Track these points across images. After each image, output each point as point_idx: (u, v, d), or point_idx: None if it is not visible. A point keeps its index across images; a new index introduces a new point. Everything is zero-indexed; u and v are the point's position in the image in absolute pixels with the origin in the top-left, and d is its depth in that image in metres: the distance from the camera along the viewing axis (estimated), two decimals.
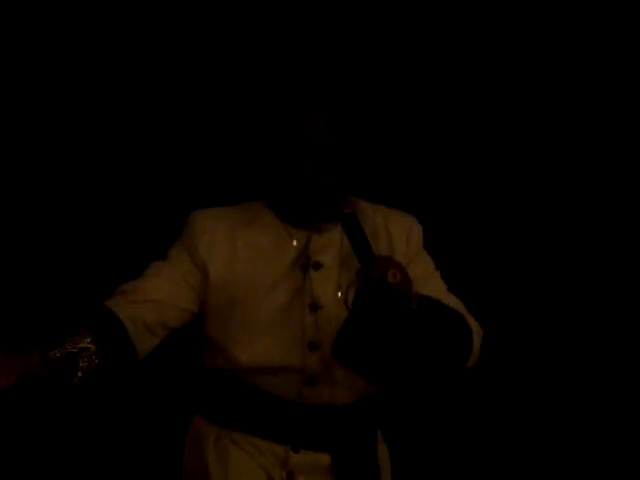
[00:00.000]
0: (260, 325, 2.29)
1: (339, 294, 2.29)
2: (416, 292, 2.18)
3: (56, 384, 2.15)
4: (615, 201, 3.42)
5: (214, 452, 2.35)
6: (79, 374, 2.16)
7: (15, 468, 3.30)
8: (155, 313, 2.26)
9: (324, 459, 2.36)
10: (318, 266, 2.32)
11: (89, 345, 2.17)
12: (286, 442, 2.34)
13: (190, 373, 2.63)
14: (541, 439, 3.47)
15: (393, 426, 2.58)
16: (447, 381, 3.19)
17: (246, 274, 2.31)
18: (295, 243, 2.32)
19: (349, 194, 2.35)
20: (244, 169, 3.13)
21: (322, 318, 2.30)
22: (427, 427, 3.45)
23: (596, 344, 3.44)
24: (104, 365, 2.21)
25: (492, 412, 3.47)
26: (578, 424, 3.46)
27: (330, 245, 2.33)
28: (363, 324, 2.14)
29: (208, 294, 2.31)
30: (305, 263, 2.31)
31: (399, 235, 2.38)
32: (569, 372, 3.46)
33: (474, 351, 2.32)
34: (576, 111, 3.39)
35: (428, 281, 2.35)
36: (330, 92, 2.33)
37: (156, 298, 2.27)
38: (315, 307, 2.31)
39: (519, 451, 3.47)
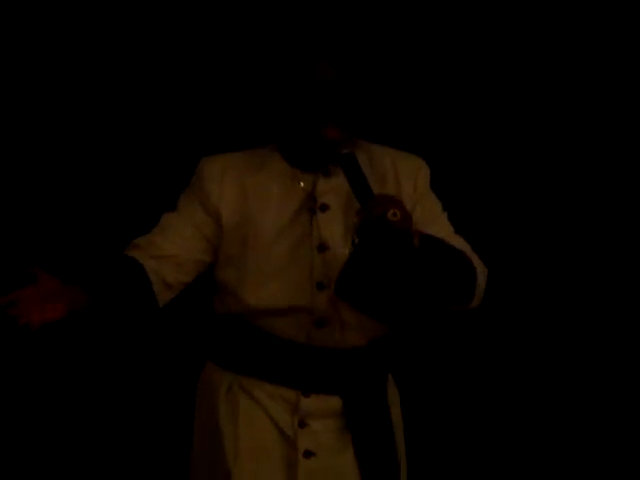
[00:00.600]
0: (269, 268, 2.33)
1: (347, 235, 2.31)
2: (417, 230, 2.19)
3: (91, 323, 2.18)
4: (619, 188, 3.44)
5: (225, 405, 2.39)
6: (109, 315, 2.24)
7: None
8: (172, 269, 2.31)
9: (335, 402, 2.38)
10: (325, 208, 2.35)
11: (116, 291, 2.22)
12: (297, 386, 2.37)
13: (201, 321, 2.67)
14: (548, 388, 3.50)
15: (404, 369, 2.60)
16: (454, 321, 3.20)
17: (255, 219, 2.34)
18: (302, 186, 2.35)
19: (357, 137, 2.37)
20: (254, 114, 3.14)
21: (330, 258, 2.32)
22: (438, 370, 3.48)
23: (598, 335, 3.46)
24: (124, 313, 2.27)
25: (502, 355, 3.48)
26: (582, 404, 3.50)
27: (338, 187, 2.35)
28: (364, 262, 2.16)
29: (221, 240, 2.35)
30: (312, 206, 2.34)
31: (407, 176, 2.40)
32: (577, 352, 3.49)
33: (478, 290, 2.33)
34: (578, 98, 3.40)
35: (434, 222, 2.37)
36: (336, 35, 2.35)
37: (172, 253, 2.31)
38: (323, 248, 2.34)
39: (525, 396, 3.49)
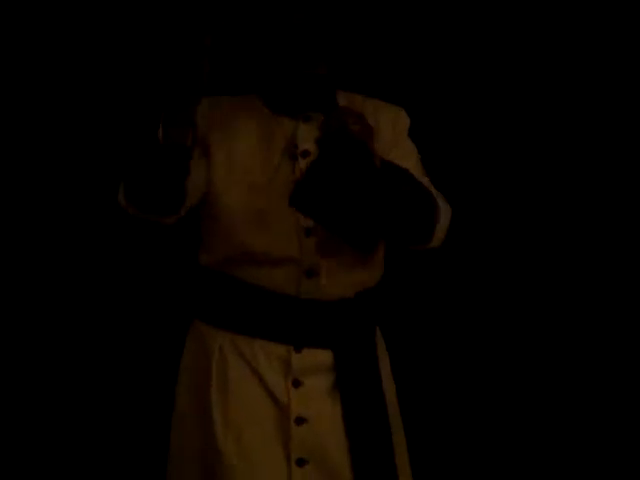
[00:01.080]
0: (256, 212, 2.28)
1: None
2: (380, 155, 2.15)
3: None
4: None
5: (216, 372, 2.32)
6: None
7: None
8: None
9: (326, 357, 2.33)
10: (306, 154, 2.30)
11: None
12: (288, 341, 2.32)
13: (189, 276, 2.60)
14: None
15: (391, 322, 2.57)
16: (413, 259, 3.10)
17: (241, 161, 2.31)
18: (283, 132, 2.32)
19: (339, 87, 2.35)
20: (237, 60, 3.10)
21: None
22: (425, 324, 3.43)
23: (598, 334, 3.42)
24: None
25: (501, 351, 3.45)
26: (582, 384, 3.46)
27: (318, 132, 2.27)
28: (322, 172, 2.09)
29: (212, 174, 2.30)
30: (293, 152, 2.31)
31: (385, 122, 2.37)
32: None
33: (439, 227, 2.29)
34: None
35: (406, 159, 2.32)
36: None
37: None
38: None
39: (525, 391, 3.46)
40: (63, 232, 3.33)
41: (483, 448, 3.42)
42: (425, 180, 2.34)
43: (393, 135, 2.38)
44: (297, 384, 2.32)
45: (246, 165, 2.31)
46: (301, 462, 2.29)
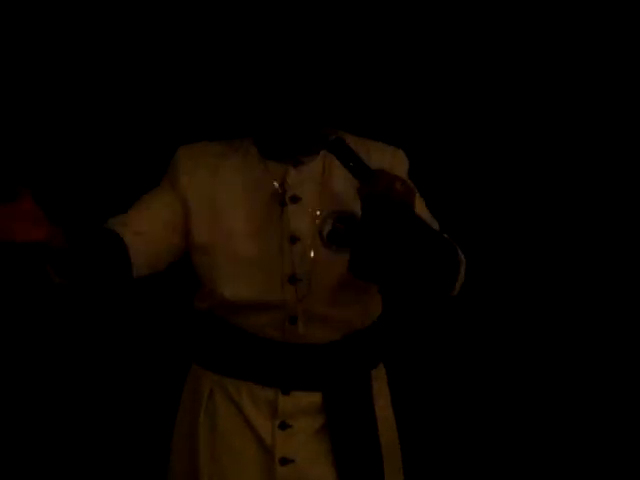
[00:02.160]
0: (239, 260, 2.29)
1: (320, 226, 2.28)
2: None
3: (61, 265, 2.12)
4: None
5: (205, 412, 2.37)
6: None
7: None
8: (146, 245, 2.27)
9: (315, 399, 2.34)
10: (296, 199, 2.30)
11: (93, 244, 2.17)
12: (275, 384, 2.34)
13: (186, 320, 2.62)
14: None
15: (395, 365, 2.58)
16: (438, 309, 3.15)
17: (225, 209, 2.31)
18: (273, 177, 2.31)
19: (332, 128, 2.31)
20: (231, 103, 3.10)
21: (300, 251, 2.29)
22: (432, 367, 3.41)
23: (597, 333, 3.38)
24: (99, 275, 2.19)
25: (498, 352, 3.42)
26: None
27: (309, 178, 2.31)
28: (375, 236, 2.09)
29: (191, 226, 2.32)
30: (282, 197, 2.30)
31: (389, 163, 2.33)
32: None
33: (460, 276, 2.30)
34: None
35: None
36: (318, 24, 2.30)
37: (144, 229, 2.27)
38: (294, 240, 2.29)
39: (522, 394, 3.42)
40: None
41: (485, 464, 3.41)
42: (436, 224, 2.35)
43: None
44: (284, 426, 2.34)
45: (229, 215, 2.31)
46: None
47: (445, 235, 2.32)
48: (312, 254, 2.27)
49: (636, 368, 3.37)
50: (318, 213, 2.30)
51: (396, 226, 2.09)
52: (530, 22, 3.29)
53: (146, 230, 2.28)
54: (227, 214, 2.31)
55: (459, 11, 3.26)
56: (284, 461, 2.33)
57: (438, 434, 3.38)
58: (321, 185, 2.30)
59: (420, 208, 2.31)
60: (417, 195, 2.32)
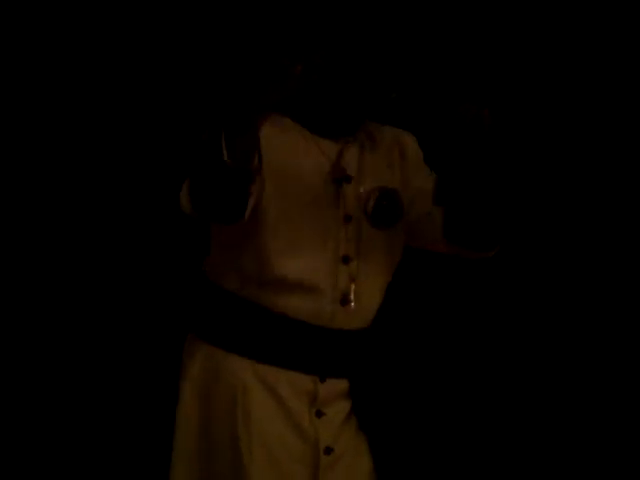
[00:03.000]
0: (296, 239, 2.22)
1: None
2: None
3: None
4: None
5: (241, 407, 2.25)
6: None
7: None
8: None
9: (344, 385, 2.32)
10: (349, 179, 2.28)
11: None
12: (314, 372, 2.28)
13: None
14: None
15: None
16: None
17: (289, 183, 2.23)
18: (326, 156, 2.27)
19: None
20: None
21: (353, 230, 2.27)
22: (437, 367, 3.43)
23: (598, 334, 3.47)
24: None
25: (502, 353, 3.47)
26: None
27: (353, 157, 2.29)
28: (461, 164, 2.11)
29: (261, 188, 2.19)
30: (338, 175, 2.26)
31: (411, 147, 2.37)
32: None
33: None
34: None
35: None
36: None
37: None
38: (348, 219, 2.27)
39: (525, 394, 3.49)
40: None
41: (487, 465, 3.44)
42: None
43: (417, 158, 2.38)
44: (319, 414, 2.29)
45: (292, 186, 2.24)
46: None
47: None
48: (365, 233, 2.26)
49: (636, 368, 3.44)
50: (362, 190, 2.28)
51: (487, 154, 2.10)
52: (531, 25, 3.38)
53: None
54: (290, 184, 2.23)
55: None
56: (328, 450, 2.28)
57: (439, 434, 3.39)
58: (360, 163, 2.29)
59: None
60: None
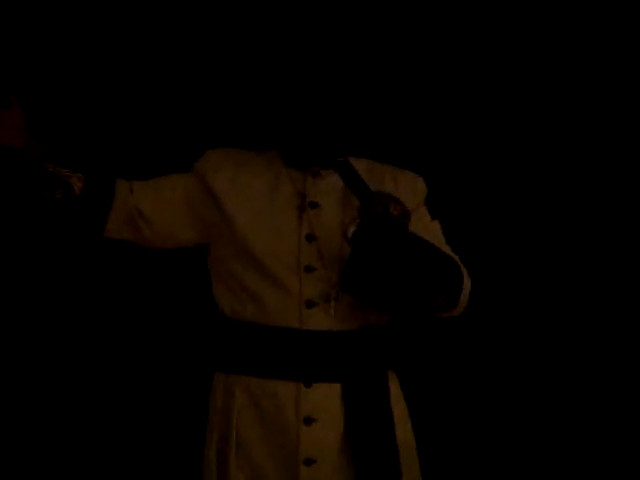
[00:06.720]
0: (254, 253, 2.40)
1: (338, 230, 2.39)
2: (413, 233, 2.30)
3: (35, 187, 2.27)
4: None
5: (237, 429, 2.39)
6: (54, 193, 2.32)
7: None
8: (150, 204, 2.42)
9: (336, 391, 2.38)
10: (315, 205, 2.43)
11: (76, 184, 2.34)
12: (297, 377, 2.37)
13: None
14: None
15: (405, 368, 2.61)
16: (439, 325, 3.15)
17: (243, 208, 2.43)
18: (291, 184, 2.44)
19: (354, 155, 2.46)
20: (254, 115, 3.21)
21: (319, 246, 2.39)
22: (439, 368, 3.43)
23: (598, 334, 3.42)
24: (71, 214, 2.34)
25: (502, 355, 3.44)
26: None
27: (331, 190, 2.44)
28: (367, 256, 2.25)
29: (232, 217, 2.42)
30: (301, 203, 2.42)
31: (405, 189, 2.47)
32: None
33: (464, 295, 2.39)
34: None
35: (426, 229, 2.44)
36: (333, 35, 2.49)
37: (160, 187, 2.45)
38: (311, 238, 2.40)
39: (527, 395, 3.44)
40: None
41: (491, 466, 3.42)
42: (447, 248, 2.46)
43: (413, 202, 2.46)
44: (308, 421, 2.36)
45: (248, 210, 2.42)
46: None
47: (455, 257, 2.42)
48: (332, 249, 2.38)
49: (636, 368, 3.39)
50: (338, 219, 2.41)
51: (388, 245, 2.25)
52: (532, 26, 3.37)
53: (162, 188, 2.45)
54: (244, 211, 2.42)
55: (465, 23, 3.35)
56: (308, 462, 2.35)
57: (446, 437, 3.39)
58: (338, 195, 2.44)
59: (432, 232, 2.46)
60: (434, 221, 2.52)
